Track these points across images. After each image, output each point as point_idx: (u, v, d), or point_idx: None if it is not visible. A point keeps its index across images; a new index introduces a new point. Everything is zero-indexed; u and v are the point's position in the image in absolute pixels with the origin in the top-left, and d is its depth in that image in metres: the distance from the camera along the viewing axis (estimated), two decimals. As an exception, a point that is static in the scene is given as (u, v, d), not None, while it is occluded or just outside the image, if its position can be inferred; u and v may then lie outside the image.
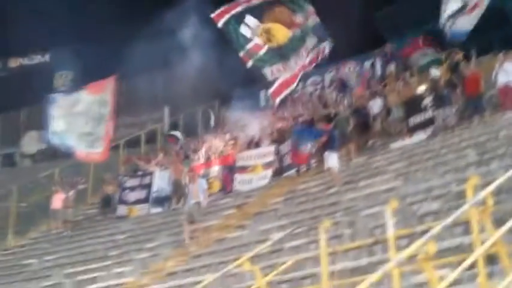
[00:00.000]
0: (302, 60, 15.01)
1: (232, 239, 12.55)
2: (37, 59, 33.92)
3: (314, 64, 15.58)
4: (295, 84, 15.49)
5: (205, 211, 14.19)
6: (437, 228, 4.71)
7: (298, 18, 15.18)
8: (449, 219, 5.06)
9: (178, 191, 17.26)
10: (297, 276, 8.83)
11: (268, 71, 15.04)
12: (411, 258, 4.90)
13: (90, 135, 18.38)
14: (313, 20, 15.32)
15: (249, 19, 14.53)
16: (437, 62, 18.74)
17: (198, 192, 13.90)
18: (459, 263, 5.49)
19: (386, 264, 4.94)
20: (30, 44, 31.30)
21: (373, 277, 4.38)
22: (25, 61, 34.13)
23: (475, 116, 14.38)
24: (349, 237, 9.48)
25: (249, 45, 14.75)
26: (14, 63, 34.20)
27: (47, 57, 33.90)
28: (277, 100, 15.68)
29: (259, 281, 7.42)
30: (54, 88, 32.72)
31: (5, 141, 31.56)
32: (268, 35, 14.78)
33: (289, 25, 15.11)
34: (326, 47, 15.54)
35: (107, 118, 18.80)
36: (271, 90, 15.35)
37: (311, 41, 15.29)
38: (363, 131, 16.19)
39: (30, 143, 31.63)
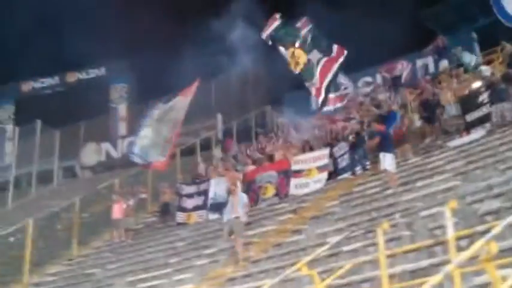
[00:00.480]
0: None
1: (289, 243, 12.56)
2: (93, 72, 34.89)
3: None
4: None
5: (245, 226, 13.76)
6: (498, 228, 4.61)
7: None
8: (510, 218, 4.95)
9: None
10: (355, 280, 8.77)
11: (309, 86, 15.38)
12: (473, 259, 4.82)
13: (161, 144, 18.70)
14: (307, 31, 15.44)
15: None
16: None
17: (238, 206, 13.42)
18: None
19: (447, 266, 4.86)
20: (86, 58, 32.18)
21: (434, 279, 4.33)
22: (82, 75, 35.17)
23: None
24: (408, 238, 9.36)
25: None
26: (71, 77, 35.30)
27: (102, 71, 34.82)
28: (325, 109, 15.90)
29: (317, 285, 7.41)
30: (110, 100, 33.66)
31: (65, 154, 32.52)
32: (295, 59, 15.15)
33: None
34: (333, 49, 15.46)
35: (178, 124, 19.16)
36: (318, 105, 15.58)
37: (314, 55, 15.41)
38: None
39: (89, 155, 32.56)
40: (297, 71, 15.22)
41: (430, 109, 16.08)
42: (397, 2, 23.54)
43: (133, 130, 32.40)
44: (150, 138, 18.61)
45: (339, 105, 16.92)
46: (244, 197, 13.99)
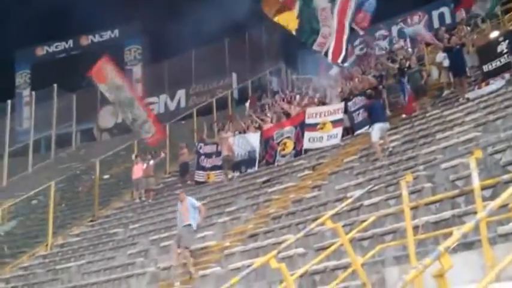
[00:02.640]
0: (332, 21, 14.72)
1: (309, 199, 12.63)
2: (107, 35, 34.81)
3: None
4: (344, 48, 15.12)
5: (196, 235, 12.46)
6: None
7: None
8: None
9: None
10: (378, 232, 8.83)
11: (316, 48, 14.95)
12: (499, 208, 4.83)
13: (136, 121, 18.78)
14: None
15: None
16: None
17: (188, 213, 12.05)
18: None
19: (478, 215, 4.86)
20: (99, 21, 32.09)
21: (465, 227, 4.33)
22: (96, 38, 35.10)
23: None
24: (430, 190, 9.36)
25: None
26: (85, 40, 35.27)
27: (116, 33, 34.73)
28: (339, 62, 15.49)
29: (342, 238, 7.47)
30: (125, 62, 33.65)
31: (83, 117, 32.83)
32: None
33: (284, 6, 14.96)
34: None
35: (135, 99, 19.18)
36: (329, 58, 15.17)
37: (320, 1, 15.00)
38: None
39: (106, 118, 32.77)
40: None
41: (455, 59, 15.68)
42: None
43: (149, 91, 32.60)
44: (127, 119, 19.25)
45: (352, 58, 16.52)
46: (194, 203, 12.43)
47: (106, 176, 21.94)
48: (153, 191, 18.97)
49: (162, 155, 20.31)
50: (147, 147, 20.80)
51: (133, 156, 20.00)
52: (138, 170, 18.76)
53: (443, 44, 16.57)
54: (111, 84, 18.93)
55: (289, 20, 14.79)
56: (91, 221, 18.62)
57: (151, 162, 19.10)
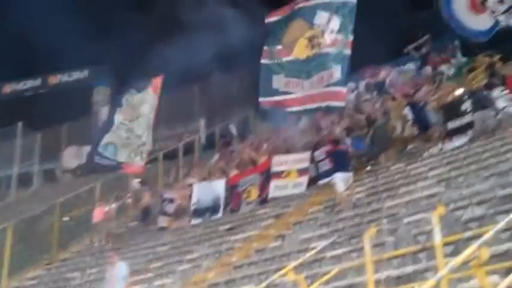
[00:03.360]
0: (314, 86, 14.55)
1: (272, 249, 12.50)
2: (76, 75, 34.65)
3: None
4: (310, 106, 14.98)
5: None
6: (490, 233, 4.60)
7: (326, 40, 14.72)
8: (501, 224, 4.95)
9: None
10: (340, 286, 8.74)
11: (278, 79, 14.79)
12: (461, 265, 4.81)
13: (137, 145, 18.23)
14: (344, 49, 14.73)
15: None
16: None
17: (116, 279, 11.39)
18: (508, 270, 5.37)
19: (440, 272, 4.84)
20: (69, 60, 31.96)
21: (427, 284, 4.30)
22: (64, 77, 34.89)
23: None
24: (392, 244, 9.36)
25: (279, 47, 14.63)
26: (53, 79, 34.99)
27: (85, 73, 34.61)
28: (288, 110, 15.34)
29: (303, 291, 7.37)
30: (93, 103, 33.40)
31: (46, 156, 32.21)
32: (292, 46, 14.57)
33: (312, 45, 14.77)
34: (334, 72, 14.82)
35: (151, 124, 18.52)
36: (279, 99, 15.02)
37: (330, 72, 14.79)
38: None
39: (70, 158, 32.27)
40: (288, 58, 14.56)
41: (419, 115, 15.99)
42: (383, 7, 23.69)
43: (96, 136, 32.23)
44: (120, 136, 18.00)
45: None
46: (124, 269, 11.82)
47: (66, 218, 21.44)
48: (114, 235, 18.57)
49: (128, 200, 19.98)
50: (109, 190, 20.46)
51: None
52: (99, 213, 18.40)
53: (407, 99, 16.94)
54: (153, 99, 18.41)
55: (299, 49, 14.62)
56: (48, 264, 18.08)
57: (113, 205, 18.77)
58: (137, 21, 28.52)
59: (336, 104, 14.35)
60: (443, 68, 19.70)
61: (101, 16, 29.66)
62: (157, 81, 18.51)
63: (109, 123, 18.46)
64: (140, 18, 28.38)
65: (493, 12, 15.77)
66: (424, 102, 16.21)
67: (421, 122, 15.81)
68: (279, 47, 14.66)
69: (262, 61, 14.55)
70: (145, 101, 18.35)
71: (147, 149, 18.46)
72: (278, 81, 14.67)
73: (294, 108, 14.54)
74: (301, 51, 14.47)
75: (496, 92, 14.84)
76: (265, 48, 14.67)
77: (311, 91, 14.39)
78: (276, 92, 14.72)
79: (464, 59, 20.82)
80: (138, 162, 18.21)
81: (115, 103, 18.56)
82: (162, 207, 18.53)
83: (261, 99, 15.39)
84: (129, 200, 20.19)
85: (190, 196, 18.35)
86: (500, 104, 14.52)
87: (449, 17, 16.32)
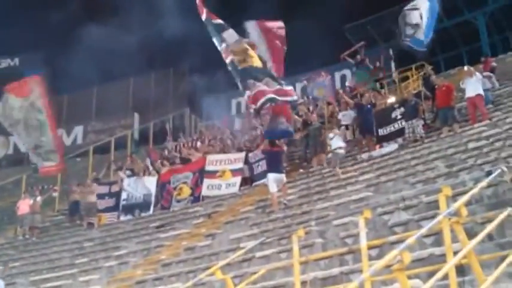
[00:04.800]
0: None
1: (201, 247, 12.43)
2: (6, 62, 33.46)
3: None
4: (267, 97, 14.98)
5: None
6: (412, 238, 4.72)
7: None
8: (423, 229, 5.09)
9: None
10: (267, 286, 8.77)
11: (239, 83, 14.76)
12: (383, 268, 4.92)
13: (40, 148, 17.53)
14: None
15: (229, 34, 14.27)
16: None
17: None
18: (430, 274, 5.53)
19: (362, 274, 4.94)
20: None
21: (350, 286, 4.37)
22: (-6, 64, 33.62)
23: (444, 128, 14.61)
24: (320, 246, 9.48)
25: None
26: (-18, 66, 33.65)
27: (16, 61, 33.48)
28: (257, 105, 15.19)
29: (230, 290, 7.36)
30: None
31: (-30, 146, 30.98)
32: (244, 54, 14.46)
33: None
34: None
35: (48, 126, 17.55)
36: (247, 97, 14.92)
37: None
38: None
39: (-5, 148, 31.13)
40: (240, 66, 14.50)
41: (366, 117, 16.25)
42: (322, 14, 24.07)
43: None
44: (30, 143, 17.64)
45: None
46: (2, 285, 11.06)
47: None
48: (39, 228, 18.03)
49: (54, 194, 19.41)
50: (36, 181, 19.86)
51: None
52: (24, 206, 17.82)
53: (354, 101, 17.29)
54: (30, 103, 17.26)
55: (254, 59, 14.48)
56: (-32, 256, 17.35)
57: (39, 198, 18.22)
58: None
59: (291, 98, 14.46)
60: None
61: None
62: (36, 83, 17.77)
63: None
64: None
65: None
66: (371, 106, 16.51)
67: (367, 125, 16.05)
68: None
69: (228, 60, 14.40)
70: (33, 106, 17.65)
71: (52, 149, 17.75)
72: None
73: (259, 103, 14.47)
74: (255, 61, 14.50)
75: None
76: (224, 46, 14.49)
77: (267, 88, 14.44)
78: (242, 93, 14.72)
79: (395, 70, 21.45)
80: (53, 163, 17.66)
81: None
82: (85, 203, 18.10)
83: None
84: (55, 194, 19.65)
85: (120, 192, 18.06)
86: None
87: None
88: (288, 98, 13.77)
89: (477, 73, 15.23)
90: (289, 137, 15.50)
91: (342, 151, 15.11)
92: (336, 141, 15.15)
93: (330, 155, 15.23)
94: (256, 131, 18.81)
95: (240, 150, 17.83)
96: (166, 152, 21.40)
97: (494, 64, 18.73)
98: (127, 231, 16.05)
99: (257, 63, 13.97)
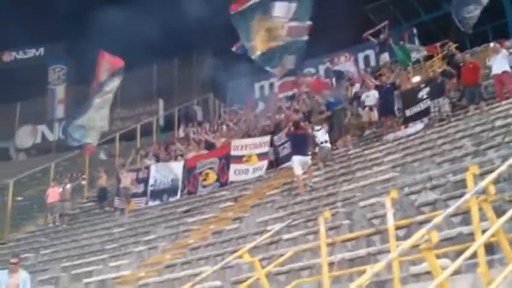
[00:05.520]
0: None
1: (229, 231, 12.53)
2: (31, 52, 33.86)
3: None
4: None
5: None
6: (440, 217, 4.69)
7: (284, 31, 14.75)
8: (451, 208, 5.06)
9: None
10: (295, 268, 8.82)
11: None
12: (411, 248, 4.91)
13: (99, 127, 17.90)
14: (300, 37, 14.84)
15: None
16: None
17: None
18: (459, 253, 5.50)
19: (390, 254, 4.93)
20: (25, 38, 31.22)
21: (378, 266, 4.37)
22: (20, 55, 34.04)
23: (471, 106, 14.43)
24: (346, 228, 9.48)
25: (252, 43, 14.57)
26: (8, 57, 34.10)
27: (41, 51, 33.84)
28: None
29: (258, 273, 7.41)
30: (48, 82, 32.72)
31: (0, 135, 31.50)
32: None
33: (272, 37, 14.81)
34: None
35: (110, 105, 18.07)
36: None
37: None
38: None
39: (25, 137, 31.62)
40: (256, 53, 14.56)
41: (385, 97, 16.10)
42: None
43: (71, 113, 31.69)
44: (88, 121, 17.86)
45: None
46: (27, 278, 9.90)
47: (19, 198, 21.05)
48: (68, 216, 18.33)
49: (83, 182, 19.70)
50: (64, 170, 20.15)
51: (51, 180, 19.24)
52: (53, 194, 18.12)
53: (374, 82, 17.14)
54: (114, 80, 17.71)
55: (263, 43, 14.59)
56: (1, 243, 17.73)
57: (68, 186, 18.49)
58: None
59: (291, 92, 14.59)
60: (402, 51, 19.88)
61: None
62: (119, 62, 17.92)
63: (86, 107, 18.09)
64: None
65: None
66: (390, 85, 16.32)
67: (387, 105, 15.91)
68: (253, 43, 14.59)
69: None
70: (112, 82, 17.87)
71: (105, 129, 18.24)
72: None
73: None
74: (263, 44, 14.45)
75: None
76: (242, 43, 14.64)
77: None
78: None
79: (422, 48, 21.14)
80: (94, 143, 18.07)
81: (98, 88, 17.99)
82: (119, 189, 18.34)
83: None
84: (84, 182, 19.94)
85: (148, 178, 18.23)
86: None
87: None
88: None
89: (503, 50, 14.97)
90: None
91: (327, 145, 14.73)
92: (322, 135, 14.79)
93: (317, 149, 15.07)
94: (280, 115, 18.75)
95: (265, 133, 17.81)
96: (192, 135, 21.50)
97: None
98: (155, 216, 16.23)
99: (264, 46, 13.99)
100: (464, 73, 15.16)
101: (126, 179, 17.78)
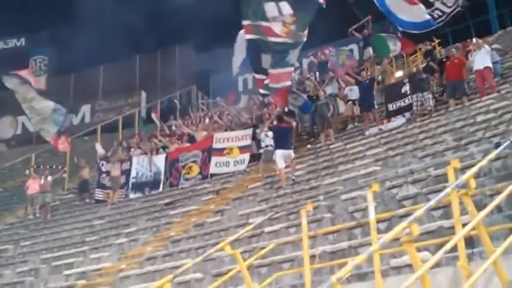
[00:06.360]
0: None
1: (211, 223, 12.51)
2: (12, 42, 33.45)
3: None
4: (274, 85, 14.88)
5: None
6: (421, 211, 4.72)
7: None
8: (431, 202, 5.08)
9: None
10: (276, 260, 8.82)
11: (266, 59, 14.49)
12: (392, 241, 4.93)
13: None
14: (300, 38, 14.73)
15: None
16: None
17: None
18: (439, 246, 5.53)
19: (370, 247, 4.95)
20: (5, 28, 30.81)
21: (359, 259, 4.38)
22: (0, 45, 33.60)
23: (451, 101, 14.53)
24: (329, 220, 9.51)
25: (263, 23, 14.22)
26: (-13, 47, 33.66)
27: (22, 41, 33.45)
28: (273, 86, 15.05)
29: (240, 265, 7.40)
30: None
31: (-21, 126, 31.14)
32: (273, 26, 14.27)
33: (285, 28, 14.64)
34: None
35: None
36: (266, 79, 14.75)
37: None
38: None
39: (5, 128, 31.25)
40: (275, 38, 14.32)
41: (365, 92, 16.16)
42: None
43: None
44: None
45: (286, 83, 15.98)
46: None
47: (-1, 189, 20.87)
48: (50, 206, 18.17)
49: (64, 174, 19.54)
50: (44, 161, 19.97)
51: (28, 171, 19.07)
52: (34, 185, 17.94)
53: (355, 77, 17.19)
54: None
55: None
56: (-20, 235, 17.53)
57: (49, 177, 18.31)
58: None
59: (285, 84, 14.45)
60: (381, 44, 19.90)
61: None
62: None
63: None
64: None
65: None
66: (370, 80, 16.39)
67: (367, 99, 15.98)
68: (264, 23, 14.26)
69: (248, 37, 14.20)
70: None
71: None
72: (266, 61, 14.36)
73: (271, 85, 14.42)
74: (280, 32, 14.29)
75: None
76: (245, 22, 14.20)
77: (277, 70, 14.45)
78: (265, 72, 14.43)
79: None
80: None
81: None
82: (99, 181, 18.23)
83: (256, 76, 15.04)
84: (65, 175, 19.79)
85: (129, 170, 18.13)
86: None
87: (387, 12, 16.67)
88: (285, 83, 13.88)
89: (486, 45, 15.08)
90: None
91: (271, 149, 14.44)
92: (269, 140, 14.61)
93: (261, 150, 15.08)
94: (262, 110, 18.72)
95: (246, 126, 17.78)
96: (174, 128, 21.41)
97: None
98: (136, 208, 16.16)
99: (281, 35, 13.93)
100: (448, 68, 15.24)
101: (116, 169, 17.67)
